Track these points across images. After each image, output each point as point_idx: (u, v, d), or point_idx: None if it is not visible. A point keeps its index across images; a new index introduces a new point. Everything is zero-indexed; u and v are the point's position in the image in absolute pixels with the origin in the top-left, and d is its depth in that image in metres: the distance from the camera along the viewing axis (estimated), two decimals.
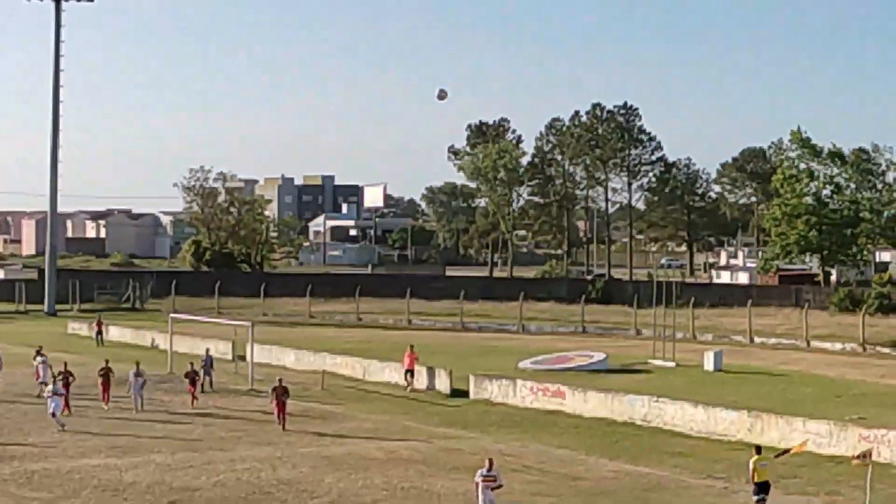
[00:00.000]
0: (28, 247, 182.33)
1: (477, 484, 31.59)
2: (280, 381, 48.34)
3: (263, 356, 64.64)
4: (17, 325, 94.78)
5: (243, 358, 63.29)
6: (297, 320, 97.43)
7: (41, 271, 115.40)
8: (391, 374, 60.80)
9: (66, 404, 48.74)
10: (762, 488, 32.66)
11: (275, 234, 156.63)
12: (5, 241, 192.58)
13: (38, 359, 55.62)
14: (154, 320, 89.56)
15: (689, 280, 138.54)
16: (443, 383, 57.87)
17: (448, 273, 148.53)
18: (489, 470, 31.43)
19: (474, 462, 40.03)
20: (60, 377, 49.46)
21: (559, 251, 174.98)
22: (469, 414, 51.53)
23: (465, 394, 56.16)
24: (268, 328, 78.74)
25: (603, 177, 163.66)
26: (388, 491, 35.77)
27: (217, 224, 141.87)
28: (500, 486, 31.83)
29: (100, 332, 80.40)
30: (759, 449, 33.79)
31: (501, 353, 72.25)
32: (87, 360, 67.22)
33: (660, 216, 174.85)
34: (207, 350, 60.37)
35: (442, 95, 22.34)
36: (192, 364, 54.88)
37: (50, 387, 47.73)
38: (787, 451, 35.91)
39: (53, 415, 45.98)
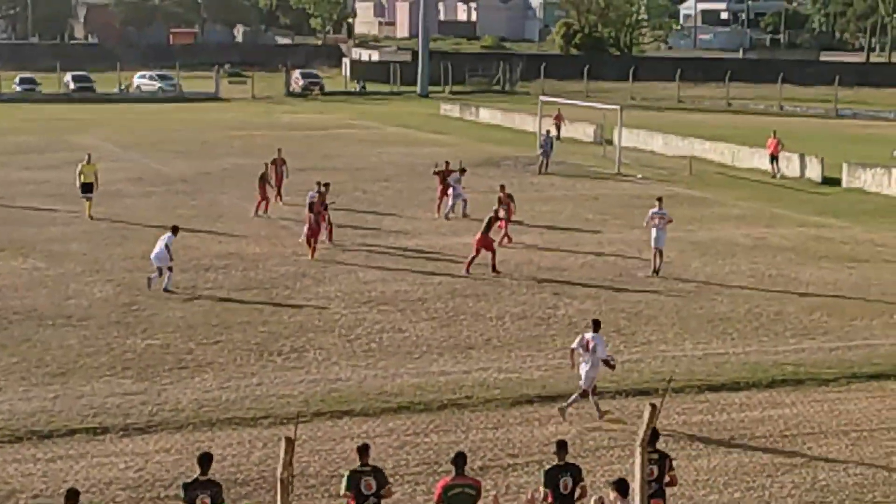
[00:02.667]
0: (402, 29, 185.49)
1: None
2: (322, 184, 38.39)
3: (631, 140, 64.64)
4: (391, 105, 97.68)
5: (610, 142, 63.35)
6: (666, 105, 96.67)
7: (414, 53, 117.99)
8: (760, 160, 59.71)
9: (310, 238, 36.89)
10: None
11: (645, 18, 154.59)
12: (380, 23, 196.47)
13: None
14: (523, 103, 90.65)
15: None
16: (814, 171, 56.56)
17: (822, 58, 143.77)
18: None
19: (845, 251, 39.29)
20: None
21: None
22: (841, 203, 50.31)
23: (837, 182, 54.84)
24: (636, 112, 78.42)
25: None
26: (755, 277, 35.41)
27: (587, 6, 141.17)
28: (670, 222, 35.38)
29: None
30: None
31: (876, 142, 69.91)
32: (458, 140, 68.99)
33: None
34: (548, 132, 60.19)
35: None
36: (267, 165, 45.36)
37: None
38: None
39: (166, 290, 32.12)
